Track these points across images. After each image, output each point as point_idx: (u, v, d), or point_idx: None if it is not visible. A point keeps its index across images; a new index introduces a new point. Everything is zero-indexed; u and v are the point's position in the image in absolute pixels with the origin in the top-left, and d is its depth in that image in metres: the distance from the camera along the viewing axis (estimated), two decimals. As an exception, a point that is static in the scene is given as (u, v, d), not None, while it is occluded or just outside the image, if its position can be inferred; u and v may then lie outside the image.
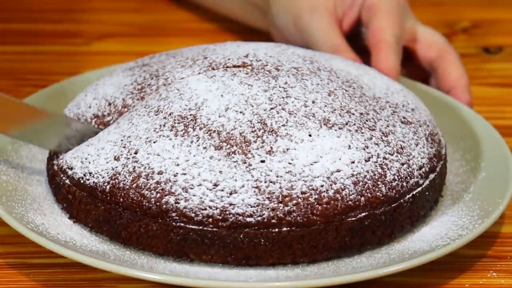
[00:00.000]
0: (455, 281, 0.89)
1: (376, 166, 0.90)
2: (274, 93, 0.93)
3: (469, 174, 0.99)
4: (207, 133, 0.90)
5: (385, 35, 1.10)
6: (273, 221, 0.87)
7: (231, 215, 0.87)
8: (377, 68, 1.08)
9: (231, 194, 0.87)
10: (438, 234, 0.91)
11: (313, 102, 0.93)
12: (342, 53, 1.10)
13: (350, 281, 0.85)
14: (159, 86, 0.96)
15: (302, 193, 0.88)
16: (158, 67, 0.98)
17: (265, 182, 0.87)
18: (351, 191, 0.89)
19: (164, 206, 0.88)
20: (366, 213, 0.89)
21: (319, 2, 1.15)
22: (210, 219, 0.87)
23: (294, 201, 0.87)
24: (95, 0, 1.38)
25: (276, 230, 0.87)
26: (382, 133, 0.92)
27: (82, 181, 0.91)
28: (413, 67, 1.15)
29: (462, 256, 0.91)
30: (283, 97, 0.92)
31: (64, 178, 0.93)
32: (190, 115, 0.91)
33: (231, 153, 0.89)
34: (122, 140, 0.91)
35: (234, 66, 0.96)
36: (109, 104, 0.97)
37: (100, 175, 0.90)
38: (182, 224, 0.88)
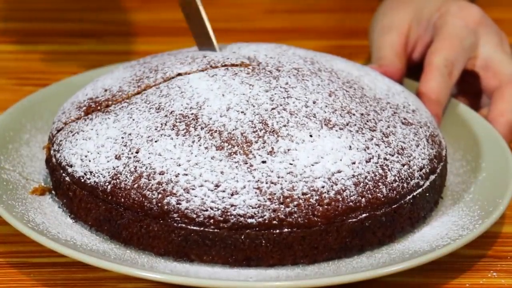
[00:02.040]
0: (455, 281, 0.90)
1: (377, 167, 0.90)
2: (275, 93, 0.92)
3: (469, 174, 0.99)
4: (208, 133, 0.90)
5: (436, 57, 1.09)
6: (274, 222, 0.87)
7: (232, 216, 0.87)
8: (420, 88, 1.08)
9: (232, 195, 0.87)
10: (438, 234, 0.91)
11: (314, 102, 0.92)
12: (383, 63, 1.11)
13: (350, 280, 0.85)
14: (157, 78, 0.96)
15: (303, 194, 0.87)
16: (158, 63, 0.98)
17: (266, 183, 0.87)
18: (352, 192, 0.89)
19: (166, 207, 0.88)
20: (367, 214, 0.89)
21: (394, 24, 1.15)
22: (212, 220, 0.87)
23: (295, 202, 0.87)
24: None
25: (277, 231, 0.87)
26: (383, 134, 0.92)
27: (82, 180, 0.91)
28: (476, 95, 1.15)
29: (462, 256, 0.91)
30: (284, 98, 0.92)
31: (64, 175, 0.93)
32: (192, 114, 0.91)
33: (232, 153, 0.89)
34: (122, 138, 0.91)
35: (233, 65, 0.96)
36: (105, 90, 0.97)
37: (101, 174, 0.90)
38: (183, 225, 0.87)
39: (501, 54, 1.12)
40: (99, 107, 0.95)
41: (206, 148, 0.89)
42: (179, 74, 0.96)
